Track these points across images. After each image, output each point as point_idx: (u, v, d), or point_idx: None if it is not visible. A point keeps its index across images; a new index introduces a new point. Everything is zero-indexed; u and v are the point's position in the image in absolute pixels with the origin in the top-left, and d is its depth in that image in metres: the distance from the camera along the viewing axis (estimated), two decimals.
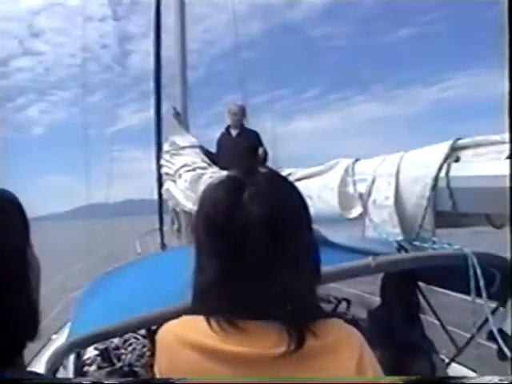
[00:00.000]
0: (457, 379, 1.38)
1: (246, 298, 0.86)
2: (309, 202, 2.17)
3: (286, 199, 0.91)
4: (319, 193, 2.15)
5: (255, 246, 0.84)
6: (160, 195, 5.20)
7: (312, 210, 2.14)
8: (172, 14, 5.66)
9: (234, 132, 5.60)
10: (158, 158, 5.06)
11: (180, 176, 4.11)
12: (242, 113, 5.65)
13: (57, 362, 1.62)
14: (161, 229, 5.82)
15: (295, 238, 0.87)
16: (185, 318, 0.94)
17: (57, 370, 1.68)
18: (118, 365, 2.85)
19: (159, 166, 4.90)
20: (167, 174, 4.53)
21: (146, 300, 1.68)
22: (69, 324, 3.10)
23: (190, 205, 3.72)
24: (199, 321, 0.89)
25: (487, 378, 0.85)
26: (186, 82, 5.55)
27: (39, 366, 2.32)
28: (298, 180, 2.29)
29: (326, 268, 1.74)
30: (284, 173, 2.40)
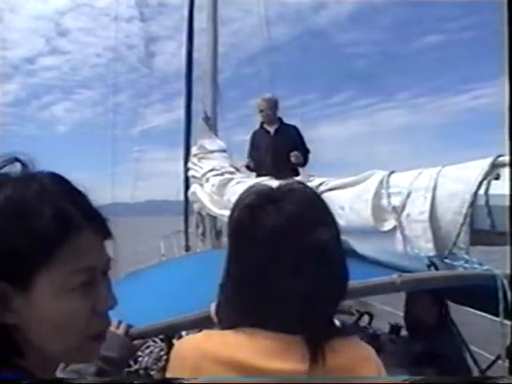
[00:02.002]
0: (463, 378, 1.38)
1: (274, 309, 0.86)
2: (340, 212, 2.19)
3: (318, 218, 0.90)
4: (352, 204, 2.14)
5: (283, 259, 0.84)
6: (186, 197, 5.23)
7: (343, 221, 2.14)
8: (204, 16, 5.71)
9: (270, 129, 5.16)
10: (186, 160, 5.12)
11: (207, 180, 4.15)
12: (270, 107, 5.13)
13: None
14: (186, 231, 5.87)
15: (324, 255, 0.87)
16: (209, 332, 0.92)
17: None
18: (135, 367, 2.86)
19: (186, 169, 4.95)
20: (194, 177, 4.57)
21: (177, 303, 1.69)
22: None
23: (216, 209, 3.75)
24: (225, 334, 0.88)
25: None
26: (216, 86, 5.53)
27: None
28: (331, 190, 2.29)
29: (349, 283, 1.74)
30: (316, 182, 2.41)
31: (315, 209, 0.91)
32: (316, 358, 0.83)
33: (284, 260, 0.85)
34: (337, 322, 2.04)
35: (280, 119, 5.21)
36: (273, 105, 5.16)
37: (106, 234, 0.72)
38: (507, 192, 1.80)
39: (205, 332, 0.93)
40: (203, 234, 4.76)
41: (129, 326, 1.36)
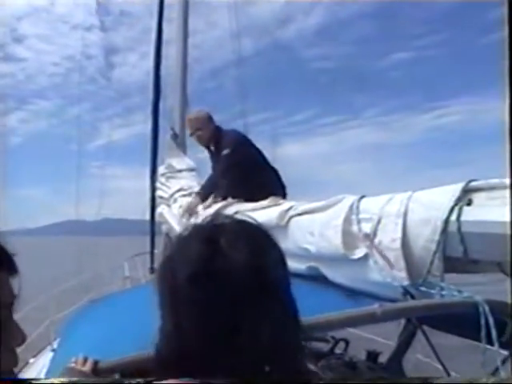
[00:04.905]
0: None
1: (229, 358, 0.77)
2: (310, 238, 2.14)
3: (266, 247, 0.82)
4: (322, 230, 2.09)
5: (236, 297, 0.76)
6: (152, 218, 5.11)
7: (314, 248, 2.09)
8: (169, 27, 5.66)
9: (212, 147, 4.28)
10: (153, 179, 4.98)
11: (175, 201, 4.06)
12: (199, 125, 4.23)
13: None
14: (152, 252, 5.67)
15: (277, 288, 0.80)
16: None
17: None
18: None
19: (153, 188, 4.83)
20: (162, 197, 4.46)
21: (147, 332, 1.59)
22: (48, 348, 3.00)
23: None
24: None
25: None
26: (186, 100, 5.45)
27: None
28: (300, 215, 2.23)
29: (328, 315, 1.69)
30: (285, 206, 2.35)
31: (260, 237, 0.84)
32: None
33: (235, 298, 0.76)
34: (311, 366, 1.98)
35: (219, 129, 4.26)
36: (204, 121, 4.25)
37: (12, 270, 0.72)
38: (480, 218, 1.79)
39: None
40: None
41: (96, 362, 1.29)
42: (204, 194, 3.88)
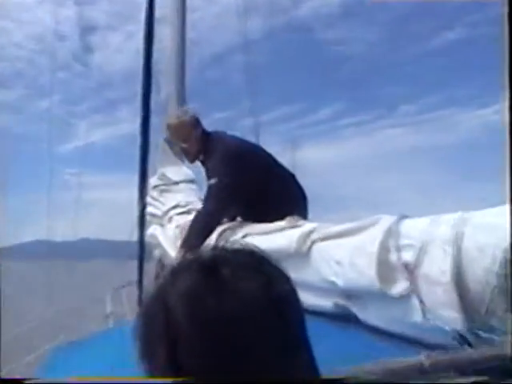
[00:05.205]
0: None
1: None
2: (337, 269, 1.76)
3: (275, 279, 0.76)
4: (352, 258, 1.73)
5: (240, 337, 0.70)
6: (142, 240, 4.11)
7: (341, 280, 1.72)
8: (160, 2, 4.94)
9: (202, 158, 3.31)
10: (142, 192, 3.94)
11: (170, 220, 3.52)
12: (182, 133, 3.23)
13: None
14: (140, 281, 4.44)
15: (288, 327, 0.74)
16: None
17: None
18: None
19: (143, 204, 3.86)
20: (154, 215, 3.85)
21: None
22: None
23: None
24: None
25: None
26: (183, 94, 4.59)
27: None
28: (324, 239, 1.87)
29: (361, 366, 1.36)
30: (305, 228, 1.99)
31: (267, 267, 0.77)
32: None
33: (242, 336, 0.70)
34: None
35: (209, 136, 3.23)
36: (190, 128, 3.22)
37: None
38: None
39: None
40: None
41: None
42: (192, 246, 2.67)
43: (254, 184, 3.01)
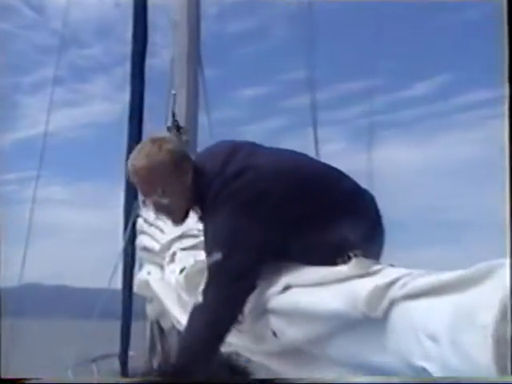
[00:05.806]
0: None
1: None
2: (430, 347, 1.09)
3: None
4: (453, 334, 1.12)
5: None
6: (130, 289, 2.95)
7: (433, 365, 1.14)
8: None
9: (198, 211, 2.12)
10: (127, 214, 2.87)
11: (173, 258, 2.27)
12: (151, 187, 1.95)
13: None
14: (125, 353, 3.19)
15: None
16: None
17: None
18: None
19: (130, 233, 2.79)
20: (147, 249, 2.61)
21: None
22: None
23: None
24: None
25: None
26: (197, 57, 3.37)
27: None
28: (412, 297, 1.27)
29: None
30: (383, 278, 1.37)
31: None
32: None
33: None
34: None
35: (199, 174, 1.95)
36: (169, 170, 1.93)
37: None
38: None
39: None
40: (166, 361, 2.46)
41: None
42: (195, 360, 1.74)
43: (295, 219, 1.88)
